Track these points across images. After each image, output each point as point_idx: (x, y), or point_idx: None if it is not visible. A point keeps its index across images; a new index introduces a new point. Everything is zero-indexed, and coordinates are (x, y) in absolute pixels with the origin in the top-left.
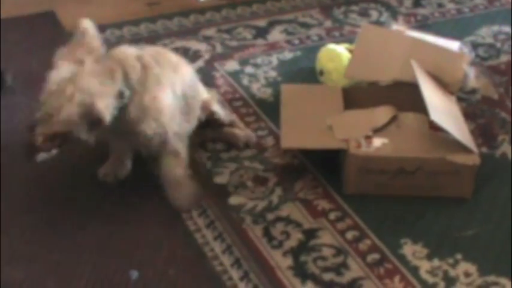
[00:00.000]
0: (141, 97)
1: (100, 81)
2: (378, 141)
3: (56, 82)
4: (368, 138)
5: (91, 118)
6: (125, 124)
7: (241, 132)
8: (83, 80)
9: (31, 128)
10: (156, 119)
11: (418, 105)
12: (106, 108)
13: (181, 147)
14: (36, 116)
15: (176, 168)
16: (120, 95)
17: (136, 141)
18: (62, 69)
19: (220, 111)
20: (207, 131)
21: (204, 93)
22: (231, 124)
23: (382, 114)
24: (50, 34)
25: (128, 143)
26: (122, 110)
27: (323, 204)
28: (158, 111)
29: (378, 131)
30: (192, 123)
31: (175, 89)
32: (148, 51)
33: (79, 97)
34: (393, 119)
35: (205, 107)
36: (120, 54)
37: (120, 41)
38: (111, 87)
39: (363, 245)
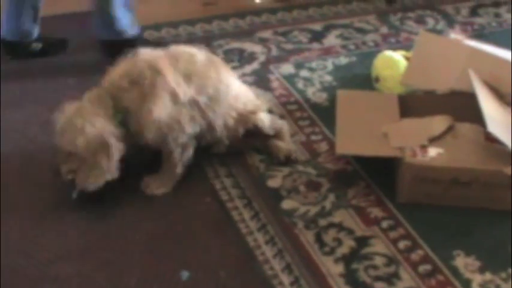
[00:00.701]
0: (137, 114)
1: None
2: (433, 151)
3: (64, 120)
4: (423, 147)
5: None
6: (131, 136)
7: (284, 145)
8: (87, 110)
9: (55, 172)
10: (155, 127)
11: (475, 116)
12: (111, 134)
13: (176, 149)
14: (55, 159)
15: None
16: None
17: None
18: (67, 108)
19: (266, 123)
20: (251, 140)
21: (245, 104)
22: (277, 135)
23: (439, 123)
24: None
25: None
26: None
27: (376, 212)
28: (155, 121)
29: (433, 140)
30: (216, 132)
31: (177, 96)
32: (168, 54)
33: (88, 128)
34: (449, 128)
35: (246, 119)
36: (109, 79)
37: (175, 40)
38: (105, 111)
39: (415, 255)
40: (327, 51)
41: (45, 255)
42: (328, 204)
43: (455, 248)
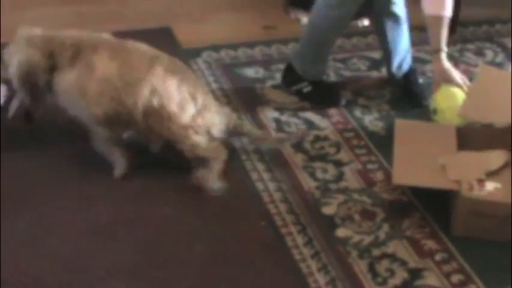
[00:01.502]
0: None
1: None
2: (490, 185)
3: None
4: (481, 181)
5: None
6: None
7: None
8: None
9: None
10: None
11: None
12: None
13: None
14: None
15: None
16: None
17: None
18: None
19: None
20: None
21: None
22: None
23: (496, 158)
24: (165, 49)
25: None
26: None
27: (430, 244)
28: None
29: (490, 174)
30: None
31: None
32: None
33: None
34: (507, 163)
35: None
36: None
37: (234, 62)
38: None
39: None
40: (385, 80)
41: (98, 272)
42: (382, 234)
43: (508, 284)
